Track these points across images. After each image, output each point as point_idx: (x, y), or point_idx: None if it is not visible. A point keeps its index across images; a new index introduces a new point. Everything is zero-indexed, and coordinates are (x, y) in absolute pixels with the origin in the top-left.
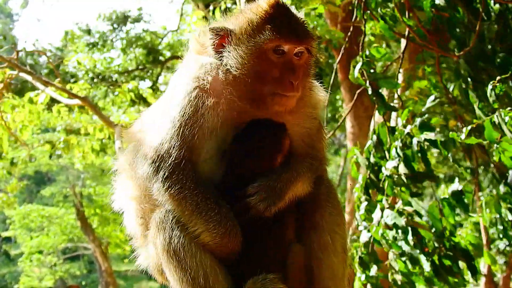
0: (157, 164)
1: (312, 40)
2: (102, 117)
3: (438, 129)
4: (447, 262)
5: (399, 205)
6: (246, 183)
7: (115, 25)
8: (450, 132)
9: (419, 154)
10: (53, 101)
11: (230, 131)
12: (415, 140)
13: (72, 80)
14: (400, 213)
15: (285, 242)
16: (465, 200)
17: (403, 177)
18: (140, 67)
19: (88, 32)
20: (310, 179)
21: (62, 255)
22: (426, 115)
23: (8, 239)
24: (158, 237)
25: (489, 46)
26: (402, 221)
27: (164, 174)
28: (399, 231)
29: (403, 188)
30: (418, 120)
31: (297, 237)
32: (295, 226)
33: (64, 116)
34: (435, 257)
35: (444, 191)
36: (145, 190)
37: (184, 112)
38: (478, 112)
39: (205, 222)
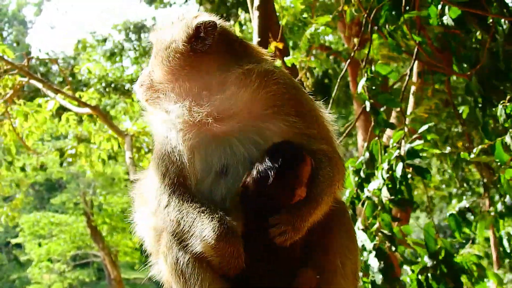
0: (158, 198)
1: (149, 35)
2: (112, 127)
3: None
4: (435, 285)
5: (377, 225)
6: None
7: (130, 35)
8: (462, 153)
9: (403, 180)
10: (64, 109)
11: (209, 145)
12: (400, 166)
13: (84, 89)
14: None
15: (293, 264)
16: (471, 218)
17: (384, 200)
18: None
19: (104, 41)
20: (330, 199)
21: (72, 262)
22: (417, 142)
23: (18, 245)
24: (167, 257)
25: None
26: (370, 245)
27: (164, 204)
28: (366, 251)
29: (381, 212)
30: (407, 146)
31: (306, 259)
32: (303, 246)
33: (73, 124)
34: (423, 278)
35: (455, 206)
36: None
37: (160, 144)
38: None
39: (200, 230)
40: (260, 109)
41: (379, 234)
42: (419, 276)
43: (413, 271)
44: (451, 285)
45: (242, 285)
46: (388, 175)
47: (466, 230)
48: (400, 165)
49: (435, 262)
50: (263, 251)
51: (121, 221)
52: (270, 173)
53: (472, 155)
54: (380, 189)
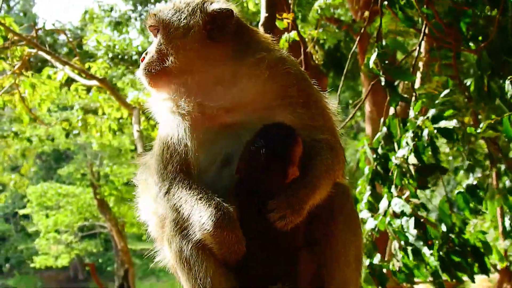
0: (159, 185)
1: (150, 18)
2: (120, 99)
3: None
4: (456, 258)
5: (406, 195)
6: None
7: (137, 5)
8: (468, 127)
9: (429, 146)
10: (73, 80)
11: (216, 136)
12: (426, 131)
13: (91, 60)
14: (408, 202)
15: (295, 250)
16: (480, 194)
17: (411, 168)
18: None
19: (111, 10)
20: (330, 183)
21: (80, 233)
22: (439, 107)
23: (26, 216)
24: (172, 244)
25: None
26: (409, 209)
27: (164, 191)
28: (405, 219)
29: (410, 180)
30: (431, 112)
31: (308, 244)
32: (307, 233)
33: (82, 94)
34: (443, 253)
35: (462, 181)
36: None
37: (165, 132)
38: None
39: (199, 219)
40: (270, 99)
41: (410, 202)
42: (440, 252)
43: (433, 246)
44: (470, 259)
45: (244, 274)
46: (414, 142)
47: (477, 206)
48: (426, 130)
49: (451, 237)
50: (263, 239)
51: (127, 192)
52: (261, 151)
53: (479, 130)
54: (406, 158)
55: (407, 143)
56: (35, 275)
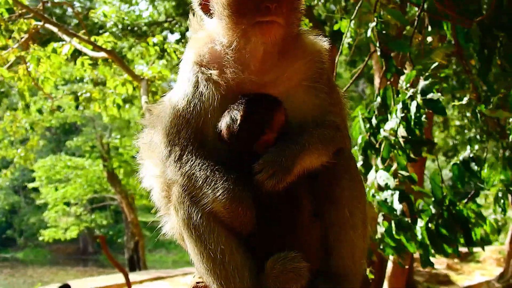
0: (168, 148)
1: None
2: (128, 71)
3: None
4: (444, 231)
5: (394, 167)
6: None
7: None
8: (479, 105)
9: (417, 118)
10: (80, 53)
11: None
12: (414, 103)
13: (101, 31)
14: (395, 175)
15: (301, 218)
16: (475, 168)
17: (401, 140)
18: (169, 19)
19: None
20: (323, 151)
21: (89, 205)
22: (430, 80)
23: (35, 189)
24: (179, 211)
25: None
26: (393, 183)
27: (175, 156)
28: (389, 193)
29: (400, 152)
30: (421, 84)
31: (315, 211)
32: (312, 200)
33: (88, 68)
34: (432, 225)
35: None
36: (163, 167)
37: (185, 96)
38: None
39: (214, 190)
40: (301, 79)
41: (398, 175)
42: (429, 224)
43: (421, 219)
44: (460, 233)
45: (252, 242)
46: (403, 114)
47: (473, 180)
48: (414, 103)
49: (441, 211)
50: (272, 208)
51: (137, 165)
52: (239, 113)
53: (490, 106)
54: (395, 130)
55: (396, 115)
56: (44, 248)
